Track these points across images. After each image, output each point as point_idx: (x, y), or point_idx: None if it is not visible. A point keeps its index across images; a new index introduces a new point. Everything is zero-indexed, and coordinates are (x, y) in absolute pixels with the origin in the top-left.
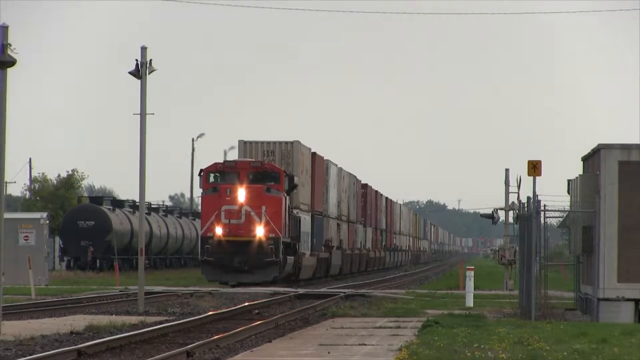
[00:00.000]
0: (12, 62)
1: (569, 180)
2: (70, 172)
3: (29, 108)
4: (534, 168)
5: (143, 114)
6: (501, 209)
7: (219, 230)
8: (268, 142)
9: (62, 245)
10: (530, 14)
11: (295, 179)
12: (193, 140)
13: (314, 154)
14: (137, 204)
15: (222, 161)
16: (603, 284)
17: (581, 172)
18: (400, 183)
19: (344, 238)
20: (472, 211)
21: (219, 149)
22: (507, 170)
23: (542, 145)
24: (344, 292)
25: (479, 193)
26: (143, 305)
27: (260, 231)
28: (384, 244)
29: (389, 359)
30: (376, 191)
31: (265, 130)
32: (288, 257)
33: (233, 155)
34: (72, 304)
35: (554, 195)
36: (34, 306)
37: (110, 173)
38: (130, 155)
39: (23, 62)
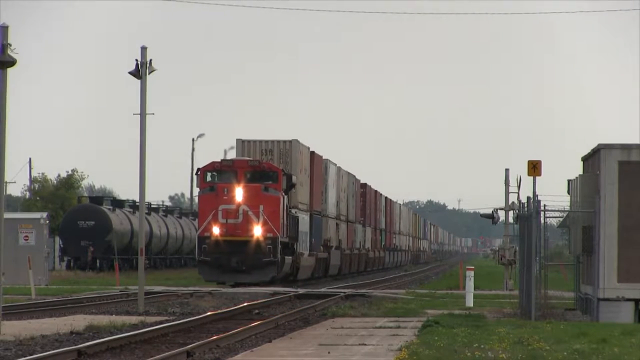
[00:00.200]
0: (12, 62)
1: (569, 180)
2: (70, 172)
3: (29, 108)
4: (534, 168)
5: (143, 114)
6: (501, 209)
7: (216, 230)
8: (266, 141)
9: (62, 245)
10: (530, 14)
11: (294, 178)
12: (193, 140)
13: (312, 153)
14: (137, 204)
15: (219, 160)
16: (603, 284)
17: (581, 172)
18: (400, 183)
19: (343, 238)
20: (472, 211)
21: (219, 148)
22: (507, 170)
23: (542, 145)
24: (344, 292)
25: (479, 193)
26: (143, 305)
27: (258, 231)
28: (383, 244)
29: (389, 359)
30: (375, 191)
31: (265, 130)
32: (286, 257)
33: (233, 155)
34: (72, 304)
35: (554, 195)
36: (34, 306)
37: (110, 173)
38: (130, 155)
39: (23, 62)
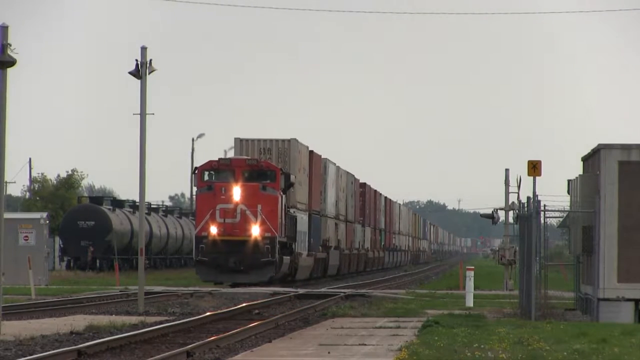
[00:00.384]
0: (12, 62)
1: (569, 180)
2: (70, 172)
3: (29, 108)
4: (534, 168)
5: (143, 114)
6: (501, 209)
7: (213, 230)
8: (265, 140)
9: (62, 245)
10: (530, 14)
11: (292, 178)
12: (193, 140)
13: (311, 152)
14: (137, 204)
15: (216, 159)
16: (603, 284)
17: (581, 172)
18: (400, 183)
19: (342, 238)
20: (472, 211)
21: (219, 148)
22: (507, 170)
23: (542, 145)
24: (344, 292)
25: (479, 193)
26: (143, 305)
27: (255, 230)
28: (382, 244)
29: (389, 359)
30: (375, 190)
31: (265, 130)
32: (284, 257)
33: (233, 155)
34: (72, 304)
35: (554, 195)
36: (34, 306)
37: (110, 173)
38: (130, 155)
39: (23, 62)
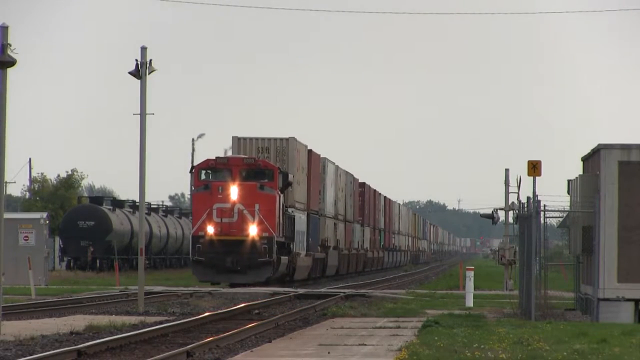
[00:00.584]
0: (12, 62)
1: (569, 180)
2: (70, 172)
3: (29, 108)
4: (534, 168)
5: (143, 114)
6: (501, 209)
7: (210, 229)
8: (262, 139)
9: (62, 245)
10: (530, 14)
11: (290, 177)
12: (193, 140)
13: (310, 151)
14: (137, 204)
15: (213, 157)
16: (603, 284)
17: (581, 172)
18: (400, 183)
19: (341, 238)
20: (472, 211)
21: (219, 148)
22: (507, 170)
23: (542, 145)
24: (344, 292)
25: (479, 193)
26: (143, 305)
27: (253, 230)
28: (382, 244)
29: (389, 359)
30: (374, 190)
31: (264, 129)
32: (282, 257)
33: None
34: (72, 304)
35: (554, 195)
36: (34, 306)
37: (110, 173)
38: (130, 155)
39: (23, 62)
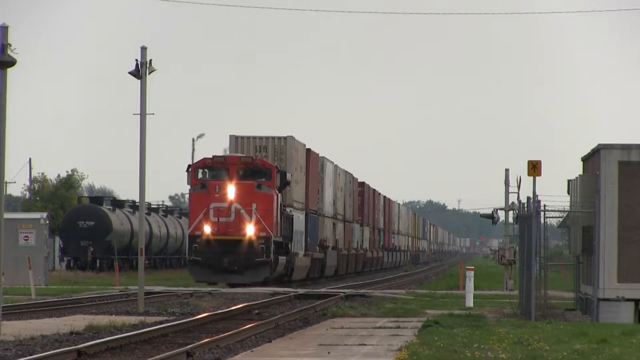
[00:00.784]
0: (12, 62)
1: (569, 180)
2: (70, 172)
3: (29, 108)
4: (534, 168)
5: (143, 114)
6: (501, 209)
7: (207, 229)
8: (260, 137)
9: (62, 245)
10: (530, 14)
11: (288, 176)
12: (193, 140)
13: (308, 150)
14: (137, 204)
15: (210, 156)
16: (603, 284)
17: (581, 172)
18: (400, 183)
19: (340, 238)
20: (472, 211)
21: (219, 148)
22: (507, 170)
23: (542, 145)
24: (344, 292)
25: (479, 193)
26: (143, 305)
27: (250, 230)
28: (381, 244)
29: (389, 359)
30: (374, 190)
31: (263, 128)
32: (280, 257)
33: None
34: (72, 304)
35: (554, 195)
36: (34, 306)
37: (110, 173)
38: (130, 155)
39: (23, 62)
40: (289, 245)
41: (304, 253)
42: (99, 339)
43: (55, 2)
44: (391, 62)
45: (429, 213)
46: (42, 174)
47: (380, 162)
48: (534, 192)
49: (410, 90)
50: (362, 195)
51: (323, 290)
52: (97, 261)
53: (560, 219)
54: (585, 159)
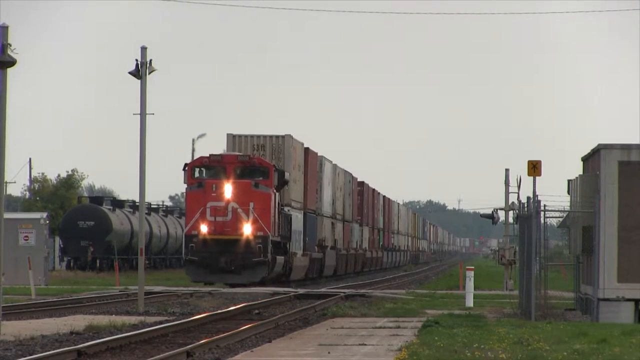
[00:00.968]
0: (12, 62)
1: (569, 180)
2: (70, 172)
3: (29, 108)
4: (534, 168)
5: (143, 114)
6: (501, 209)
7: (204, 228)
8: (258, 136)
9: (62, 245)
10: (530, 14)
11: (286, 175)
12: (193, 140)
13: (307, 149)
14: (137, 204)
15: (207, 155)
16: (603, 284)
17: (581, 172)
18: (400, 183)
19: (339, 237)
20: (472, 211)
21: (219, 148)
22: (507, 170)
23: (542, 145)
24: (344, 292)
25: (479, 193)
26: (143, 305)
27: (247, 229)
28: (381, 243)
29: (389, 359)
30: (373, 189)
31: (263, 127)
32: (278, 257)
33: None
34: (72, 304)
35: (554, 195)
36: (34, 306)
37: (110, 173)
38: (130, 155)
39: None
40: (287, 245)
41: (303, 253)
42: (99, 339)
43: (55, 2)
44: (391, 61)
45: (429, 213)
46: (42, 174)
47: (380, 161)
48: (534, 192)
49: (410, 90)
50: (362, 194)
51: (323, 290)
52: (97, 261)
53: (560, 219)
54: (585, 159)
